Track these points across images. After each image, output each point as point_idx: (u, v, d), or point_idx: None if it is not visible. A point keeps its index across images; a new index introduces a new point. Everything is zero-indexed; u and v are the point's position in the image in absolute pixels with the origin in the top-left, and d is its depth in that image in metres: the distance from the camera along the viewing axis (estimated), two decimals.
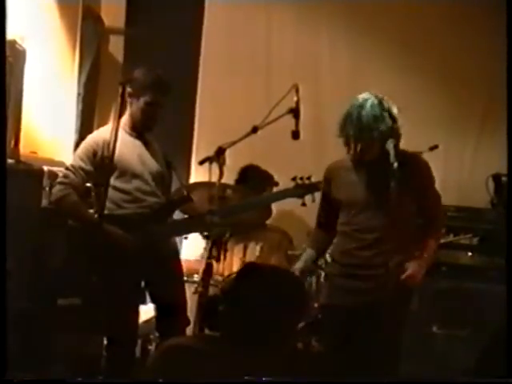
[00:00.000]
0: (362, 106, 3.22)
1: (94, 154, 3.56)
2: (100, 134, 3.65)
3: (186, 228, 3.89)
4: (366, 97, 3.25)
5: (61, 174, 3.62)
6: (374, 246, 3.28)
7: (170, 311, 3.66)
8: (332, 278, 3.50)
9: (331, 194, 3.44)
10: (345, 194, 3.38)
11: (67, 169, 3.59)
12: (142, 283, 3.68)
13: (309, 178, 3.67)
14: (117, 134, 3.29)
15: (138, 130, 3.68)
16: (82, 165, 3.56)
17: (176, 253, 3.85)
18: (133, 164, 3.61)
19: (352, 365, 3.14)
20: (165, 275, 3.65)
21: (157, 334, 3.93)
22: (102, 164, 3.48)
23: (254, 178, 4.83)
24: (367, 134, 3.20)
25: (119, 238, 3.50)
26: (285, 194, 3.83)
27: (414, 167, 3.31)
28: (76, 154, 3.67)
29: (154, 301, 3.76)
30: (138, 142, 3.68)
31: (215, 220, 3.48)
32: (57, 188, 3.57)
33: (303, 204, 3.69)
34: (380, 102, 3.23)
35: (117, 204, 3.55)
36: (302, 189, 3.67)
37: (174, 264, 3.77)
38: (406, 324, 3.35)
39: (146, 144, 3.71)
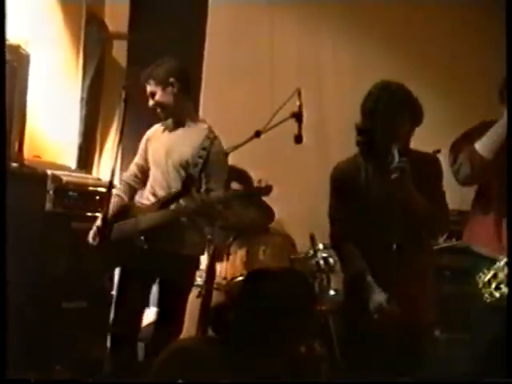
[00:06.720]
0: (387, 87, 3.19)
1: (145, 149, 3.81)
2: (149, 131, 3.86)
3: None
4: (385, 83, 3.22)
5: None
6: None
7: (167, 317, 3.61)
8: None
9: (348, 195, 3.16)
10: (360, 196, 3.13)
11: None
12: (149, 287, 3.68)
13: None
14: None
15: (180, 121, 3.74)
16: (135, 160, 3.87)
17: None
18: (159, 156, 3.69)
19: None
20: (168, 280, 3.63)
21: None
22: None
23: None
24: (398, 111, 3.13)
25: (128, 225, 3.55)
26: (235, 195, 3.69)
27: (428, 167, 3.20)
28: None
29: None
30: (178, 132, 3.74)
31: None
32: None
33: None
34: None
35: (146, 197, 3.70)
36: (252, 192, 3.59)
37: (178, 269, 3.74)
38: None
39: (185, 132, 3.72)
